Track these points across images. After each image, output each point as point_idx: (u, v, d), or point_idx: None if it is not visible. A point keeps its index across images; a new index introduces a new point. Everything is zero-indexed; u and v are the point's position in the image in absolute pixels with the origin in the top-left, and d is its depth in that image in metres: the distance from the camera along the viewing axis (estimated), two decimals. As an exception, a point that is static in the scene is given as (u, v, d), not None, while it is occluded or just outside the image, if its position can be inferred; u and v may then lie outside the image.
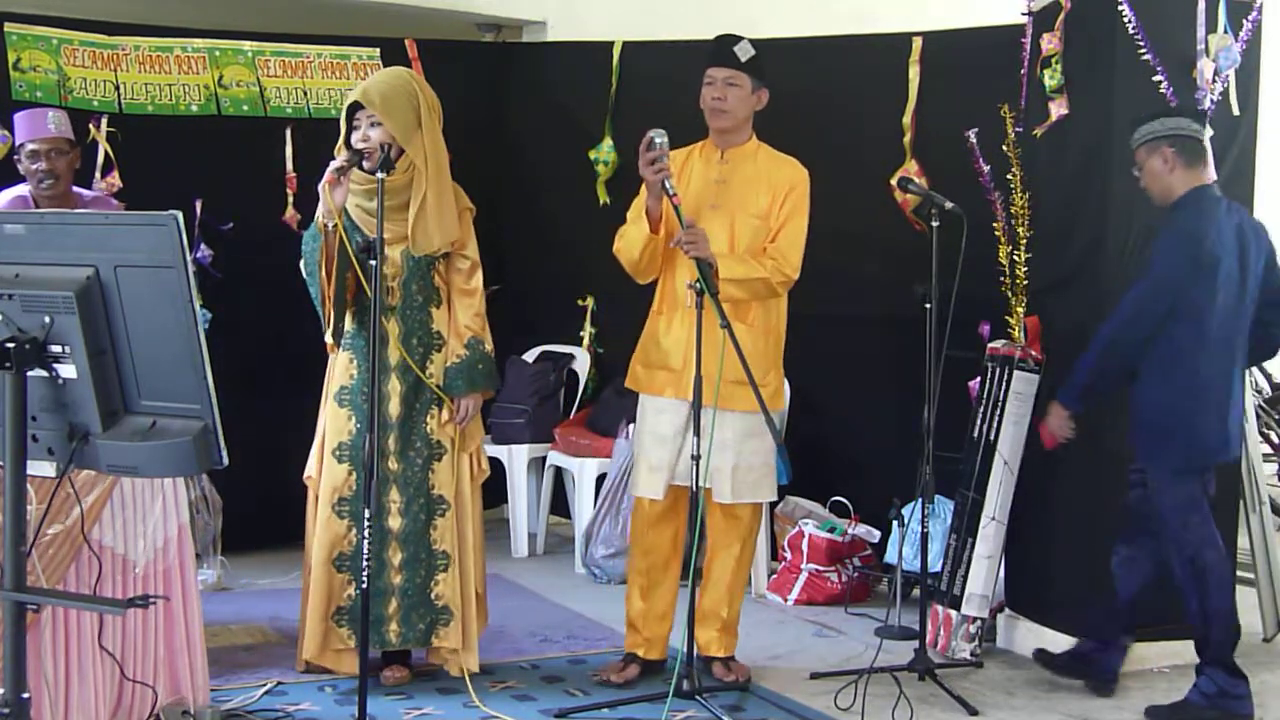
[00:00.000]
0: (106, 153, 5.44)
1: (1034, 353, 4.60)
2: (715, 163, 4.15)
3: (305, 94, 5.87)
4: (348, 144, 4.00)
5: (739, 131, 4.14)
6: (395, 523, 4.05)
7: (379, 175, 3.72)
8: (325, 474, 4.10)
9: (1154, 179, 4.05)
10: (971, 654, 4.56)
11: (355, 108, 3.98)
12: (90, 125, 5.42)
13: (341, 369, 4.13)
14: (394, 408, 4.04)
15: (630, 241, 4.07)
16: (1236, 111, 4.48)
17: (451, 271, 4.14)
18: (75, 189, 4.69)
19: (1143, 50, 4.33)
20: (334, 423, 4.10)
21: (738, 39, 4.12)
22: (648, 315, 4.26)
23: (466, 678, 4.06)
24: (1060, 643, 4.47)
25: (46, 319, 2.31)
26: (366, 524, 3.64)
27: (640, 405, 4.24)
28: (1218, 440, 4.04)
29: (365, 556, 3.68)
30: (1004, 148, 4.77)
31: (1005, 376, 4.64)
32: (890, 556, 5.14)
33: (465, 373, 4.09)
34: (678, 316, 4.10)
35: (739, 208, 4.07)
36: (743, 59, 4.08)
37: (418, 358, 4.06)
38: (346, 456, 4.07)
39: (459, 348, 4.10)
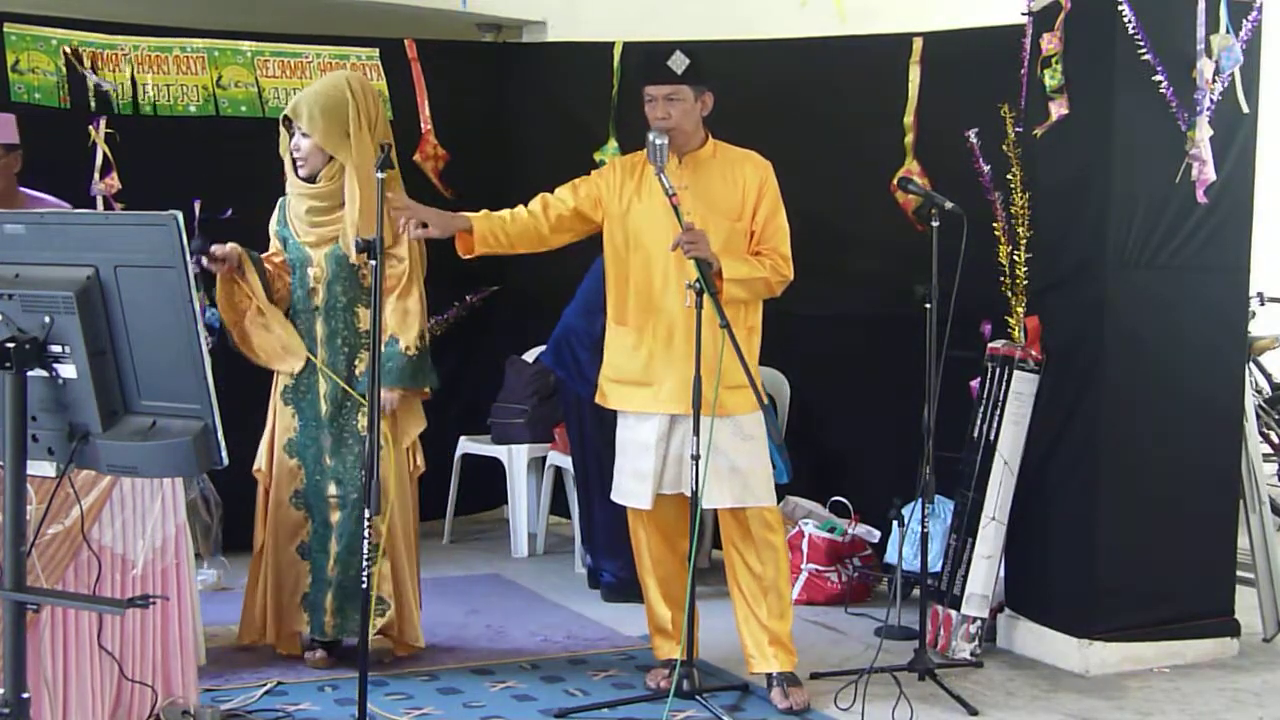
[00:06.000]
0: (105, 154, 5.43)
1: (1034, 353, 4.60)
2: (675, 169, 4.02)
3: (304, 95, 5.86)
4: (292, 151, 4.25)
5: (692, 137, 4.05)
6: (334, 516, 4.24)
7: (379, 175, 3.75)
8: (277, 468, 4.30)
9: None
10: (971, 654, 4.56)
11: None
12: (89, 127, 5.41)
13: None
14: (322, 406, 4.22)
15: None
16: (1245, 110, 4.48)
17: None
18: (22, 190, 4.54)
19: (1143, 50, 4.32)
20: (281, 420, 4.31)
21: (670, 51, 3.99)
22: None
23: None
24: (1059, 643, 4.47)
25: (46, 319, 2.31)
26: (367, 523, 3.64)
27: (619, 414, 4.18)
28: None
29: (366, 556, 3.68)
30: (1004, 148, 4.76)
31: (1005, 376, 4.63)
32: (890, 556, 5.13)
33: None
34: (649, 328, 4.02)
35: (708, 211, 3.98)
36: (679, 71, 3.96)
37: (344, 357, 4.23)
38: (294, 451, 4.28)
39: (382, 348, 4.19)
